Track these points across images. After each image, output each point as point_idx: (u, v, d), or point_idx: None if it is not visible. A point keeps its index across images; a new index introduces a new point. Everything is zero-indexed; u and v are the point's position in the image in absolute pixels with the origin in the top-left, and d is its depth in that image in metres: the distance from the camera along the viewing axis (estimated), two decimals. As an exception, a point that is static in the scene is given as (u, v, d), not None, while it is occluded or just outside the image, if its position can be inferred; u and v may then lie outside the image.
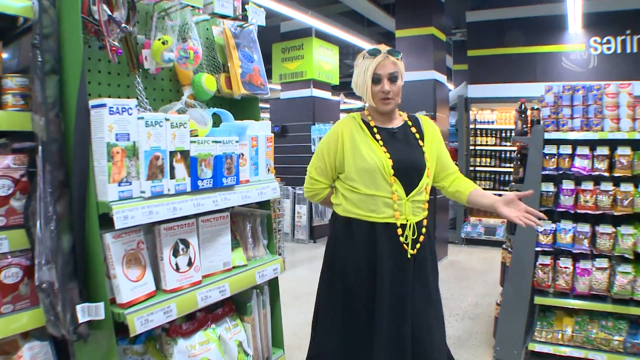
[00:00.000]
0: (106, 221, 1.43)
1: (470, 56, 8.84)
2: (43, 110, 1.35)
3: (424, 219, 2.47)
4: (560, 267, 3.86)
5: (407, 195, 2.35)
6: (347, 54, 11.16)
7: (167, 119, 1.46)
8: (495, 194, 2.46)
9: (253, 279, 1.88)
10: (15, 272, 1.51)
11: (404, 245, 2.34)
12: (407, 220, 2.35)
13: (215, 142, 1.65)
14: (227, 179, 1.72)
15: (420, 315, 2.39)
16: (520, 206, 2.35)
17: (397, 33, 7.61)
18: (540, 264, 3.86)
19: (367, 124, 2.46)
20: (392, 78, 2.35)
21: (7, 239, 1.46)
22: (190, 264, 1.64)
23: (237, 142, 1.75)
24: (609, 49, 8.41)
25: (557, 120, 3.85)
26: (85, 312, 1.32)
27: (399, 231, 2.34)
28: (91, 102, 1.36)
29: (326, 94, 8.71)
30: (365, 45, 9.25)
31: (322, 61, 8.48)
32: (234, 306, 1.93)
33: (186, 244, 1.63)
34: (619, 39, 8.37)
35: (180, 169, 1.53)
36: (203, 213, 1.69)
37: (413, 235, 2.36)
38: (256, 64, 1.99)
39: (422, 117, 2.65)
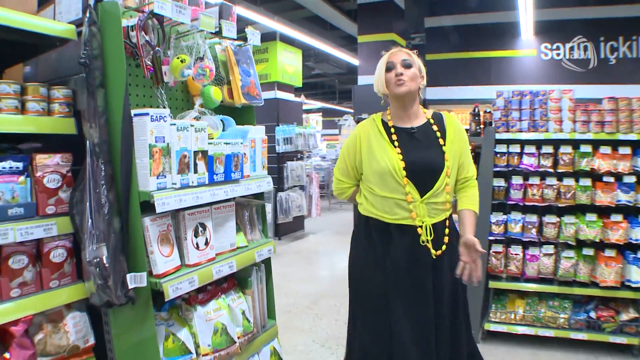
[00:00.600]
0: (142, 208, 1.78)
1: (428, 60, 9.34)
2: (94, 117, 1.68)
3: (445, 219, 2.42)
4: (512, 254, 4.26)
5: (421, 197, 2.32)
6: (309, 56, 11.53)
7: (192, 125, 1.82)
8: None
9: (253, 257, 2.26)
10: (61, 252, 1.84)
11: (423, 247, 2.31)
12: (423, 222, 2.32)
13: (226, 143, 2.02)
14: (234, 173, 2.09)
15: (438, 317, 2.36)
16: (473, 255, 2.33)
17: (360, 38, 8.09)
18: (493, 252, 4.24)
19: (385, 124, 2.47)
20: (406, 64, 2.35)
21: (55, 225, 1.77)
22: (206, 243, 2.00)
23: (241, 143, 2.12)
24: (558, 54, 9.05)
25: (507, 122, 4.27)
26: (132, 280, 1.67)
27: (419, 230, 2.31)
28: (134, 111, 1.71)
29: (290, 96, 9.06)
30: (328, 48, 9.68)
31: (286, 64, 8.81)
32: (236, 281, 2.30)
33: (204, 226, 2.00)
34: (568, 45, 9.03)
35: (201, 165, 1.90)
36: (216, 202, 2.05)
37: (430, 237, 2.33)
38: (252, 77, 2.36)
39: (447, 114, 2.61)
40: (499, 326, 4.12)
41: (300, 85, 9.37)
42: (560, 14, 8.84)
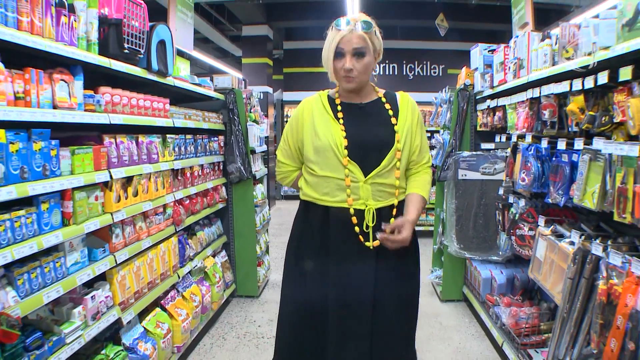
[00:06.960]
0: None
1: (285, 72, 14.53)
2: (236, 124, 6.91)
3: (393, 205, 2.33)
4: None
5: (365, 177, 2.25)
6: (195, 65, 16.45)
7: (258, 128, 7.16)
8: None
9: (264, 171, 7.46)
10: (221, 166, 7.02)
11: (360, 235, 2.24)
12: (366, 206, 2.24)
13: (261, 131, 7.38)
14: (261, 141, 7.40)
15: (382, 313, 2.32)
16: (395, 237, 2.28)
17: (244, 60, 12.93)
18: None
19: (332, 100, 2.44)
20: (358, 54, 2.26)
21: (222, 157, 6.73)
22: (258, 165, 7.31)
23: (263, 131, 7.50)
24: (375, 71, 15.05)
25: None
26: (253, 170, 6.99)
27: (354, 219, 2.24)
28: (248, 123, 7.02)
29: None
30: (209, 60, 14.51)
31: (181, 69, 13.44)
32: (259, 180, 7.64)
33: (258, 159, 7.29)
34: (381, 65, 14.88)
35: (259, 140, 7.17)
36: (260, 152, 7.34)
37: (373, 222, 2.23)
38: (260, 110, 7.66)
39: (402, 94, 2.52)
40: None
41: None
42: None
